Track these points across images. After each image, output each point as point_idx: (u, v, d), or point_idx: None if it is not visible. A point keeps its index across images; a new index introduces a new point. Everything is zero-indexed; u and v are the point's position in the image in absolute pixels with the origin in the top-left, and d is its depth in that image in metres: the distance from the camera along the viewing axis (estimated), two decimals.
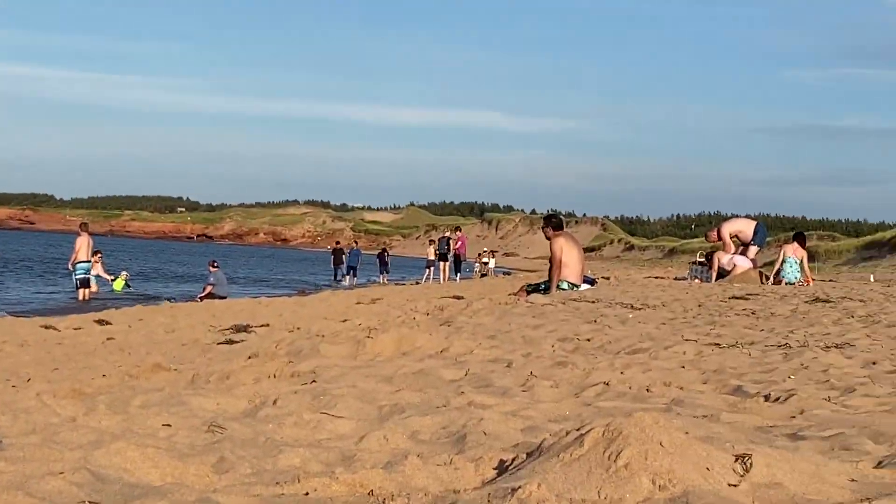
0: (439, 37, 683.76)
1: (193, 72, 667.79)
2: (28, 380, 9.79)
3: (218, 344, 12.92)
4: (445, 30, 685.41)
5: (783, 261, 28.07)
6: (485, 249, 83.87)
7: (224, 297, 33.83)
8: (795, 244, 28.88)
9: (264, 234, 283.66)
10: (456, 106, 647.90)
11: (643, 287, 24.91)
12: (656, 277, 37.14)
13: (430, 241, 59.20)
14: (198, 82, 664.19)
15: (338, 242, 62.20)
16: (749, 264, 28.89)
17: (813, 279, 30.09)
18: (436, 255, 55.45)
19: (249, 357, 9.49)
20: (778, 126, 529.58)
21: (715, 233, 31.32)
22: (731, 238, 29.90)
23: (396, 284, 47.16)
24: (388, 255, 60.20)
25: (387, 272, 57.98)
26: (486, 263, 74.79)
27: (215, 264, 36.57)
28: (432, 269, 55.19)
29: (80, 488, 3.87)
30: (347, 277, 53.48)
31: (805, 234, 31.58)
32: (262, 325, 16.02)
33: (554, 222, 22.27)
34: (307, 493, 3.99)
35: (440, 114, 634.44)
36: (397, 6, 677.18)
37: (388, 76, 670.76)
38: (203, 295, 34.49)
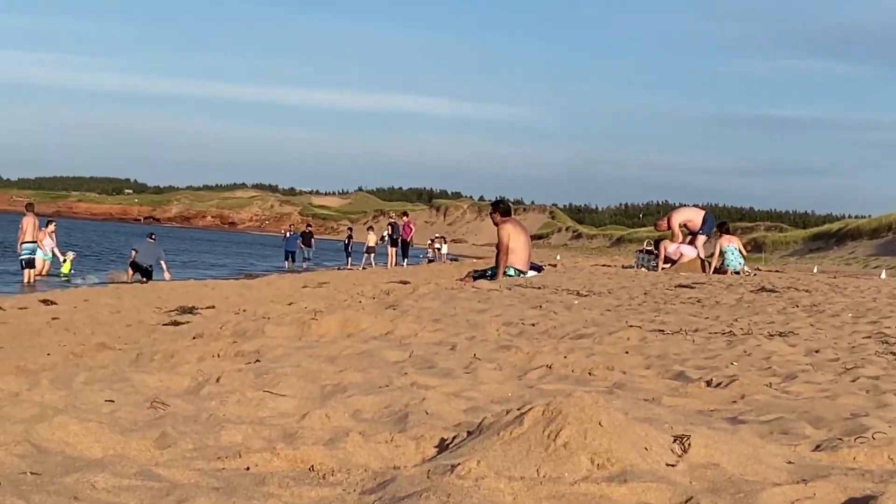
0: (390, 21, 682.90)
1: (142, 53, 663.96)
2: None
3: (163, 325, 12.89)
4: (397, 14, 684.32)
5: (721, 251, 28.21)
6: (437, 235, 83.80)
7: (148, 268, 33.64)
8: (726, 234, 29.08)
9: (212, 217, 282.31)
10: (406, 91, 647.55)
11: (590, 274, 25.02)
12: (603, 265, 37.26)
13: (369, 227, 58.98)
14: (146, 64, 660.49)
15: (309, 226, 61.80)
16: (695, 253, 29.05)
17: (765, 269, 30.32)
18: (378, 241, 55.40)
19: (194, 337, 9.47)
20: (726, 116, 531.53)
21: (665, 221, 31.44)
22: (679, 227, 30.04)
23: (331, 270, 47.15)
24: (350, 239, 60.08)
25: (349, 255, 57.86)
26: (438, 249, 74.78)
27: (153, 236, 36.19)
28: (372, 255, 54.92)
29: (21, 460, 3.86)
30: (288, 263, 53.19)
31: (727, 223, 31.76)
32: (207, 308, 15.98)
33: (502, 208, 22.28)
34: (248, 468, 4.01)
35: (390, 98, 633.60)
36: None
37: (338, 60, 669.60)
38: (130, 260, 34.20)
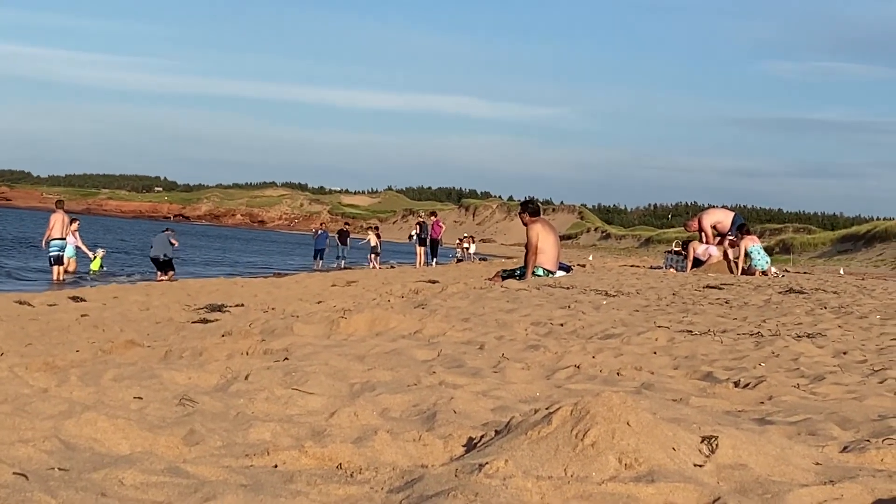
0: (421, 22, 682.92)
1: (175, 53, 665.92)
2: (1, 354, 9.78)
3: (192, 322, 12.92)
4: (428, 15, 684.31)
5: (747, 253, 28.08)
6: (465, 235, 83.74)
7: (163, 260, 33.67)
8: (747, 236, 28.92)
9: (241, 215, 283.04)
10: (436, 91, 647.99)
11: (618, 275, 24.97)
12: (632, 266, 37.19)
13: (368, 227, 58.66)
14: (179, 63, 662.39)
15: (347, 224, 61.70)
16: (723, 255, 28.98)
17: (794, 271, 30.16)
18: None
19: (223, 335, 9.48)
20: (756, 118, 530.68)
21: (695, 222, 31.39)
22: (710, 229, 29.98)
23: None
24: (378, 239, 59.82)
25: (377, 255, 57.61)
26: (467, 249, 74.72)
27: (168, 230, 36.19)
28: (374, 255, 54.15)
29: (49, 455, 3.88)
30: (317, 261, 52.92)
31: (747, 224, 31.58)
32: (236, 306, 16.02)
33: (531, 208, 22.26)
34: (276, 466, 4.01)
35: (420, 99, 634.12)
36: None
37: (370, 61, 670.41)
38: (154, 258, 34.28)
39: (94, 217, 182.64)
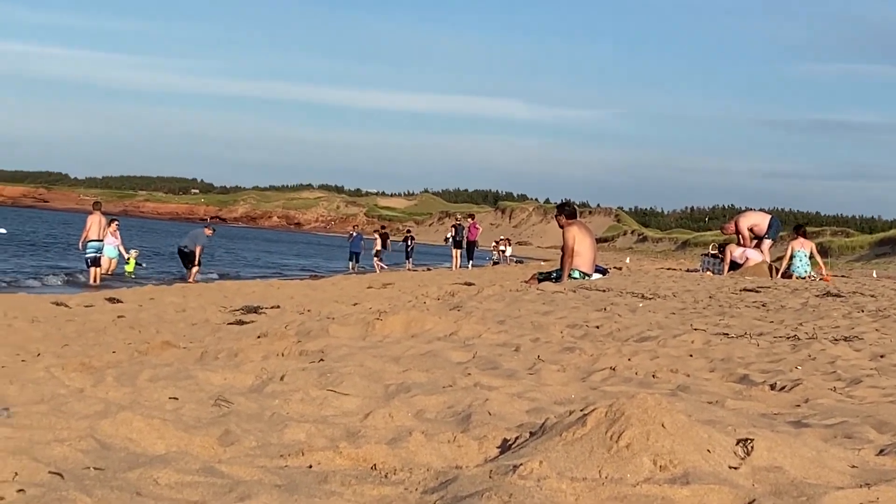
0: (455, 23, 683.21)
1: (211, 54, 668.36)
2: (38, 354, 9.84)
3: (228, 324, 12.98)
4: (461, 16, 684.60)
5: (792, 255, 27.94)
6: (501, 237, 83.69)
7: (187, 251, 33.84)
8: (800, 238, 28.72)
9: (278, 217, 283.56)
10: (472, 93, 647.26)
11: (655, 278, 24.91)
12: (668, 269, 37.12)
13: (375, 230, 58.40)
14: (214, 64, 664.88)
15: (383, 227, 61.71)
16: (761, 257, 28.85)
17: (832, 275, 29.94)
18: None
19: (259, 336, 9.51)
20: (792, 120, 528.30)
21: (732, 225, 31.27)
22: (747, 231, 29.87)
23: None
24: (412, 241, 59.72)
25: (410, 258, 57.51)
26: (503, 251, 74.66)
27: (208, 227, 36.33)
28: (378, 259, 53.63)
29: (85, 455, 3.90)
30: (352, 263, 52.89)
31: (805, 226, 31.31)
32: (272, 307, 16.09)
33: (567, 211, 22.24)
34: (311, 466, 4.02)
35: (456, 100, 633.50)
36: None
37: (404, 62, 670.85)
38: (199, 257, 34.41)
39: (131, 219, 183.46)
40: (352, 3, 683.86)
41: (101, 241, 32.95)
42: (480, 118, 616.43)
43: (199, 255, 34.32)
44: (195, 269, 33.98)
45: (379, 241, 53.65)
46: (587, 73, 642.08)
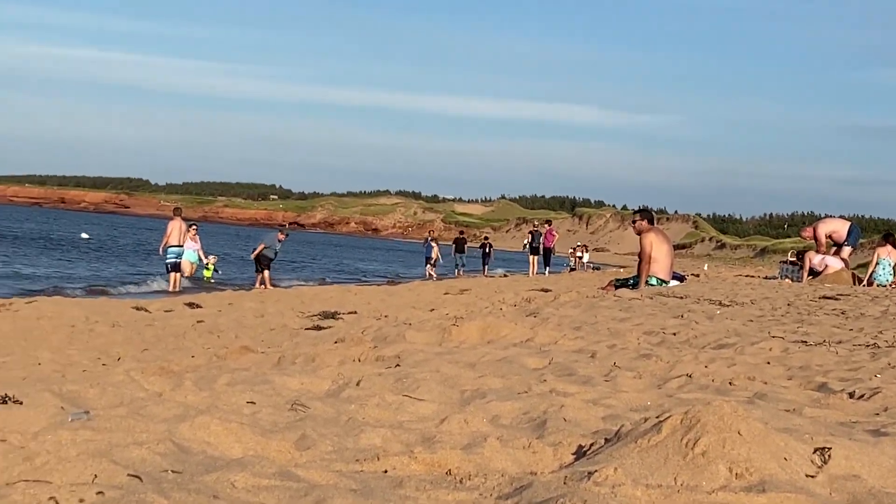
0: (530, 30, 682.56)
1: (291, 61, 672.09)
2: (118, 358, 9.97)
3: (305, 329, 13.05)
4: (539, 24, 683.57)
5: (877, 262, 27.60)
6: (578, 244, 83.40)
7: (272, 259, 34.10)
8: (888, 245, 28.34)
9: (355, 223, 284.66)
10: (550, 99, 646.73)
11: (732, 285, 24.73)
12: (746, 276, 36.84)
13: (433, 239, 58.17)
14: (295, 71, 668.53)
15: (462, 232, 61.72)
16: (840, 265, 28.50)
17: None
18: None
19: (336, 342, 9.55)
20: (871, 126, 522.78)
21: (810, 231, 30.93)
22: (825, 238, 29.55)
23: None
24: (490, 247, 59.63)
25: (487, 264, 57.42)
26: (580, 258, 74.37)
27: (282, 231, 36.58)
28: (429, 266, 53.26)
29: (163, 458, 3.94)
30: (429, 269, 52.86)
31: (894, 234, 30.81)
32: (349, 313, 16.15)
33: (644, 217, 22.13)
34: (386, 471, 4.03)
35: (534, 107, 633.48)
36: (490, 1, 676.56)
37: (481, 69, 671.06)
38: (255, 254, 34.60)
39: (211, 224, 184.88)
40: (429, 10, 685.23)
41: (181, 246, 33.25)
42: (557, 124, 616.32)
43: (261, 254, 34.46)
44: (265, 273, 34.17)
45: (435, 249, 53.55)
46: (663, 78, 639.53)
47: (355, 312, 16.30)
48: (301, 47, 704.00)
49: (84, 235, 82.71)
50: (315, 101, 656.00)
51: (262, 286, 32.41)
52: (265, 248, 34.41)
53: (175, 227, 33.19)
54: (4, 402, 4.86)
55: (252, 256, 34.88)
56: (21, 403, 4.88)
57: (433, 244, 54.43)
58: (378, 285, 32.27)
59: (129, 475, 3.55)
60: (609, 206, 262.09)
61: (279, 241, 35.03)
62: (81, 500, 3.24)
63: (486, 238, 62.15)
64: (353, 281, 40.16)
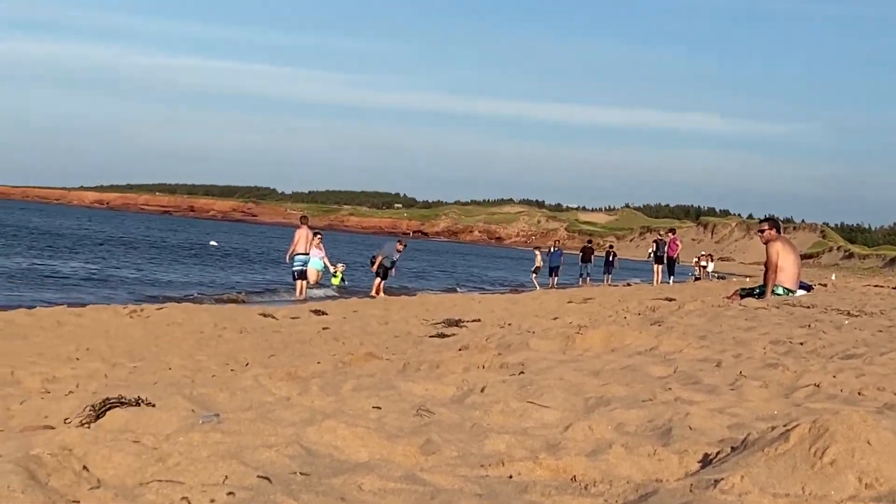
0: (650, 39, 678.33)
1: (416, 71, 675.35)
2: (246, 364, 10.10)
3: (430, 337, 13.10)
4: (656, 32, 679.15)
5: None
6: (703, 253, 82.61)
7: (390, 268, 34.24)
8: None
9: (479, 231, 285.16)
10: (673, 108, 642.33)
11: (861, 295, 24.38)
12: (875, 286, 36.25)
13: (535, 246, 57.58)
14: (420, 81, 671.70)
15: (589, 241, 61.59)
16: None
17: None
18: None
19: (460, 349, 9.59)
20: None
21: None
22: None
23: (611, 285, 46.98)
24: (614, 256, 59.32)
25: (610, 273, 57.15)
26: (704, 267, 73.67)
27: (401, 242, 36.73)
28: (535, 276, 52.56)
29: (291, 460, 3.99)
30: (552, 278, 52.61)
31: None
32: (473, 321, 16.18)
33: (771, 226, 21.88)
34: (511, 476, 4.05)
35: (657, 115, 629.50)
36: (613, 11, 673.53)
37: (604, 78, 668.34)
38: (375, 267, 34.76)
39: (336, 233, 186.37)
40: (553, 21, 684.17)
41: (308, 254, 33.52)
42: (679, 132, 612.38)
43: (381, 265, 34.64)
44: (377, 280, 34.34)
45: (538, 258, 53.19)
46: (790, 86, 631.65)
47: (479, 320, 16.33)
48: (429, 59, 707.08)
49: (213, 243, 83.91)
50: (439, 111, 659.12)
51: (376, 293, 32.64)
52: (384, 258, 34.61)
53: (302, 236, 33.47)
54: (138, 405, 4.96)
55: (373, 269, 35.08)
56: (154, 406, 4.98)
57: (536, 252, 54.27)
58: (501, 294, 32.30)
59: (258, 476, 3.61)
60: (734, 215, 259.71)
61: (398, 251, 35.17)
62: (213, 501, 3.30)
63: (610, 246, 61.82)
64: (478, 289, 40.21)
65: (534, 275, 51.54)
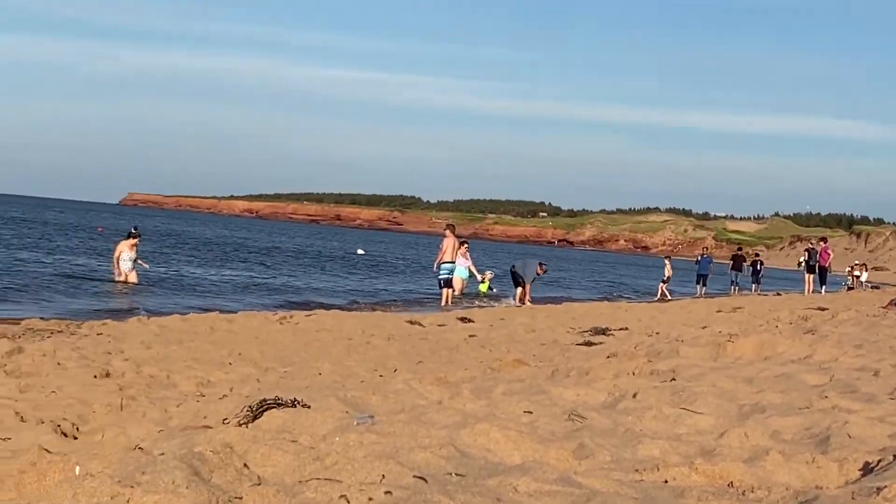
0: (799, 44, 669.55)
1: (563, 79, 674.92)
2: (395, 370, 10.14)
3: (577, 344, 13.04)
4: (808, 37, 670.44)
5: None
6: (856, 262, 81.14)
7: (521, 277, 34.15)
8: None
9: (624, 240, 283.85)
10: (822, 114, 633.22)
11: None
12: None
13: (666, 256, 56.54)
14: (564, 89, 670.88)
15: (739, 249, 60.78)
16: None
17: None
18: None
19: (608, 356, 9.55)
20: None
21: None
22: None
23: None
24: (761, 265, 58.50)
25: (758, 282, 56.36)
26: (857, 277, 72.33)
27: (542, 265, 36.55)
28: (664, 286, 51.06)
29: (446, 461, 4.00)
30: (700, 287, 51.96)
31: None
32: (620, 329, 16.07)
33: None
34: (666, 481, 4.01)
35: (806, 122, 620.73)
36: (752, 15, 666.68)
37: (749, 84, 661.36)
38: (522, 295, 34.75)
39: (481, 241, 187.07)
40: (687, 24, 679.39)
41: (454, 262, 33.59)
42: (829, 140, 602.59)
43: (517, 274, 34.62)
44: (520, 290, 34.27)
45: (668, 267, 52.31)
46: None
47: (626, 329, 16.22)
48: (573, 66, 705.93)
49: (360, 251, 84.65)
50: (583, 119, 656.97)
51: (520, 302, 32.61)
52: (521, 276, 34.59)
53: (449, 245, 33.54)
54: (294, 406, 5.02)
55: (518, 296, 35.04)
56: (309, 407, 5.03)
57: (666, 261, 53.50)
58: (648, 302, 32.11)
59: (414, 476, 3.63)
60: (888, 223, 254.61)
61: (538, 274, 35.09)
62: (371, 499, 3.31)
63: (756, 255, 60.96)
64: (622, 298, 40.00)
65: (663, 284, 50.73)
